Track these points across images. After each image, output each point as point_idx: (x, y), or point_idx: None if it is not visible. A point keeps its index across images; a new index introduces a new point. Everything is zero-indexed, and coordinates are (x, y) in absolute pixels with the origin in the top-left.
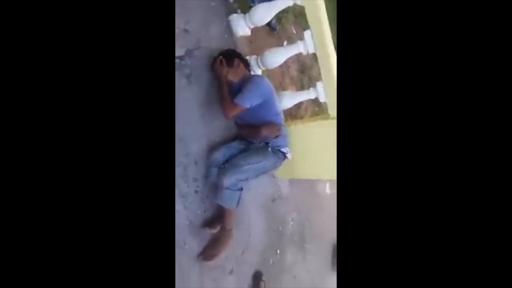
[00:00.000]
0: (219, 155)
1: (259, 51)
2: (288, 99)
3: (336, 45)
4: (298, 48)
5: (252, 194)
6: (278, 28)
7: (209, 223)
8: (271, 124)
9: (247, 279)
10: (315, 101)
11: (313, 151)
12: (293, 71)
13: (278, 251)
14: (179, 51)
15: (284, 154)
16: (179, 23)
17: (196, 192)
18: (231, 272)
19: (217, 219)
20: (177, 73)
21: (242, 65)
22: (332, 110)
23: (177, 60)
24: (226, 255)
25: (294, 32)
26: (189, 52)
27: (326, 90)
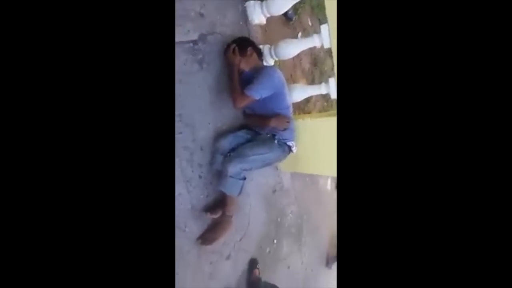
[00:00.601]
0: (226, 143)
1: (273, 41)
2: (299, 93)
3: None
4: (313, 42)
5: (254, 184)
6: (294, 18)
7: (210, 208)
8: (280, 116)
9: (243, 265)
10: (325, 97)
11: (317, 147)
12: (305, 63)
13: (275, 241)
14: (193, 35)
15: (289, 148)
16: (195, 6)
17: (200, 177)
18: (228, 258)
19: (218, 205)
20: (189, 58)
21: (255, 55)
22: None
23: (190, 44)
24: (225, 240)
25: (310, 24)
26: (202, 37)
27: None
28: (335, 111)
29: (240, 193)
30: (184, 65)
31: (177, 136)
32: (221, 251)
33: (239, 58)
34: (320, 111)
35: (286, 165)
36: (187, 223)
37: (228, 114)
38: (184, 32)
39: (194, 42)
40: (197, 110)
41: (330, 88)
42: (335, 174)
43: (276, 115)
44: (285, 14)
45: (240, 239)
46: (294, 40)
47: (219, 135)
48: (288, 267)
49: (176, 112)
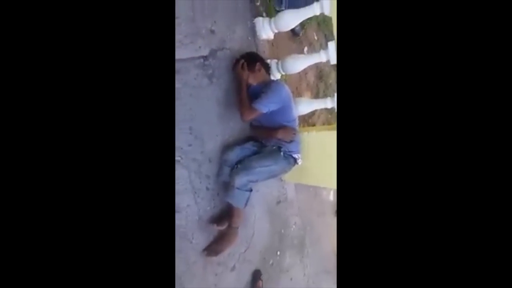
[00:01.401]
0: (233, 155)
1: (280, 55)
2: (305, 106)
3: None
4: (320, 58)
5: (259, 195)
6: (301, 33)
7: (217, 220)
8: (287, 128)
9: (247, 277)
10: (329, 110)
11: (321, 159)
12: (311, 77)
13: (278, 253)
14: (203, 51)
15: (295, 160)
16: (207, 24)
17: (207, 188)
18: (232, 269)
19: (225, 217)
20: (200, 72)
21: (263, 69)
22: None
23: (201, 60)
24: (230, 252)
25: (316, 38)
26: (213, 53)
27: None
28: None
29: (246, 204)
30: (194, 79)
31: (186, 148)
32: (226, 263)
33: (247, 73)
34: (324, 124)
35: (290, 176)
36: (194, 234)
37: (235, 127)
38: (196, 48)
39: (205, 57)
40: (206, 123)
41: (335, 102)
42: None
43: (283, 128)
44: (293, 29)
45: (245, 251)
46: (301, 56)
47: (227, 147)
48: (291, 279)
49: (186, 125)
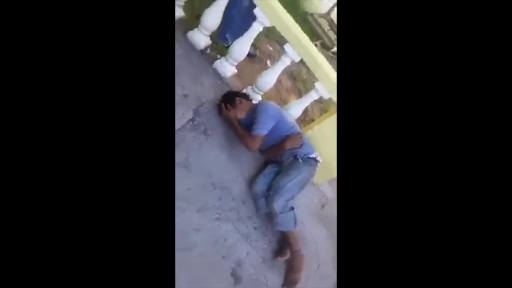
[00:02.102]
0: (260, 185)
1: (251, 81)
2: (296, 109)
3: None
4: (284, 63)
5: (303, 209)
6: (257, 53)
7: (278, 252)
8: (292, 135)
9: None
10: (319, 100)
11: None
12: (286, 82)
13: None
14: (188, 115)
15: (315, 160)
16: (178, 91)
17: (255, 228)
18: None
19: (284, 245)
20: (194, 134)
21: (244, 100)
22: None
23: (190, 123)
24: (305, 274)
25: (271, 49)
26: (196, 112)
27: (326, 86)
28: (335, 108)
29: (295, 223)
30: (194, 142)
31: (218, 203)
32: (306, 286)
33: (232, 111)
34: (321, 114)
35: (319, 177)
36: (266, 276)
37: (248, 161)
38: (180, 116)
39: (192, 119)
40: (222, 171)
41: (319, 91)
42: None
43: (288, 137)
44: (248, 54)
45: (318, 267)
46: (268, 70)
47: (251, 182)
48: None
49: (208, 183)
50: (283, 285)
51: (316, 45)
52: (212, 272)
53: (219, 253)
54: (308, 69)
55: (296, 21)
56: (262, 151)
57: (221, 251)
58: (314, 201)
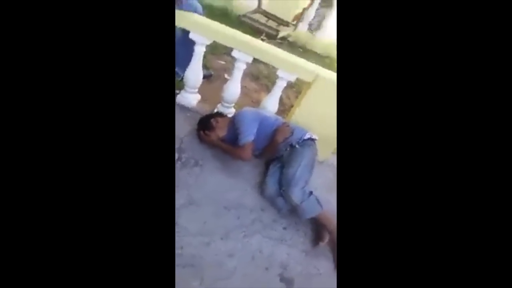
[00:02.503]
0: (271, 187)
1: (217, 99)
2: (271, 103)
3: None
4: (240, 69)
5: (322, 189)
6: (211, 72)
7: (317, 238)
8: (278, 128)
9: None
10: (289, 85)
11: (324, 118)
12: (250, 84)
13: None
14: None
15: (311, 139)
16: None
17: (285, 228)
18: None
19: (320, 230)
20: (187, 170)
21: (219, 119)
22: (308, 77)
23: (178, 162)
24: None
25: (223, 62)
26: (179, 150)
27: (288, 70)
28: (308, 84)
29: (321, 205)
30: (189, 177)
31: (242, 221)
32: None
33: (212, 133)
34: (297, 97)
35: (322, 153)
36: (316, 266)
37: (249, 170)
38: None
39: (178, 158)
40: (230, 191)
41: (284, 77)
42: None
43: (276, 131)
44: (204, 77)
45: None
46: (228, 83)
47: (261, 187)
48: None
49: (223, 209)
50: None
51: (262, 39)
52: (260, 285)
53: (261, 266)
54: (264, 63)
55: (233, 27)
56: (258, 155)
57: (262, 263)
58: (329, 177)
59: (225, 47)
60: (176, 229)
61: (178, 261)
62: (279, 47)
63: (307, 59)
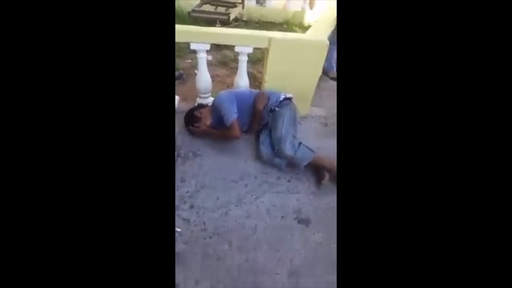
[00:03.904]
0: (266, 151)
1: (194, 93)
2: (242, 79)
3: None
4: (203, 60)
5: (311, 138)
6: (181, 72)
7: (318, 179)
8: (256, 98)
9: None
10: (252, 58)
11: (291, 74)
12: (221, 71)
13: None
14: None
15: (286, 98)
16: None
17: (289, 181)
18: None
19: (319, 171)
20: (189, 162)
21: (201, 110)
22: (262, 44)
23: (179, 158)
24: None
25: (189, 60)
26: (178, 150)
27: (243, 43)
28: (267, 50)
29: (312, 151)
30: (194, 167)
31: (251, 186)
32: None
33: (199, 124)
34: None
35: (302, 108)
36: (326, 202)
37: (244, 145)
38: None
39: (178, 155)
40: (234, 166)
41: (243, 51)
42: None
43: (253, 102)
44: (176, 79)
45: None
46: (198, 76)
47: (258, 155)
48: None
49: (230, 179)
50: None
51: (217, 27)
52: (285, 234)
53: (278, 217)
54: (225, 46)
55: (186, 23)
56: (247, 129)
57: (277, 214)
58: (315, 127)
59: (187, 46)
60: (195, 210)
61: (204, 234)
62: (233, 27)
63: (267, 30)
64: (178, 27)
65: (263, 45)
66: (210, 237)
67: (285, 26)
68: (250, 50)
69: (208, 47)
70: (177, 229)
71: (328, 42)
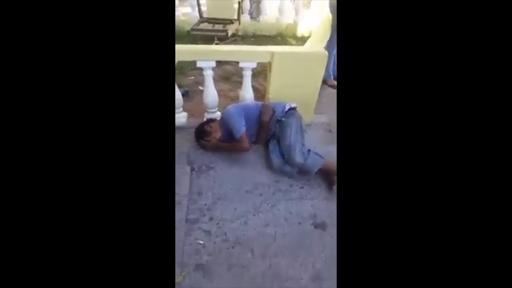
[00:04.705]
0: (276, 160)
1: (201, 109)
2: (247, 93)
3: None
4: (209, 76)
5: (318, 146)
6: (186, 89)
7: (330, 184)
8: (261, 111)
9: None
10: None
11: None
12: (224, 86)
13: None
14: (186, 170)
15: (291, 108)
16: None
17: (302, 188)
18: None
19: (328, 178)
20: (204, 175)
21: (211, 124)
22: (265, 58)
23: (193, 173)
24: None
25: (192, 77)
26: (189, 163)
27: (247, 58)
28: (270, 64)
29: (322, 157)
30: (208, 180)
31: (265, 195)
32: None
33: (210, 138)
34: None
35: (306, 116)
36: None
37: (254, 156)
38: (183, 173)
39: (192, 169)
40: (247, 176)
41: (247, 67)
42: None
43: (260, 114)
44: (182, 95)
45: None
46: (204, 92)
47: (269, 165)
48: None
49: (244, 189)
50: None
51: (216, 43)
52: (304, 239)
53: (295, 223)
54: (229, 63)
55: (187, 43)
56: (256, 141)
57: (294, 221)
58: (320, 133)
59: (189, 64)
60: (215, 221)
61: (226, 245)
62: (234, 44)
63: (261, 44)
64: (184, 47)
65: (265, 59)
66: (233, 247)
67: (280, 38)
68: (254, 65)
69: (214, 64)
70: (199, 242)
71: (327, 53)
